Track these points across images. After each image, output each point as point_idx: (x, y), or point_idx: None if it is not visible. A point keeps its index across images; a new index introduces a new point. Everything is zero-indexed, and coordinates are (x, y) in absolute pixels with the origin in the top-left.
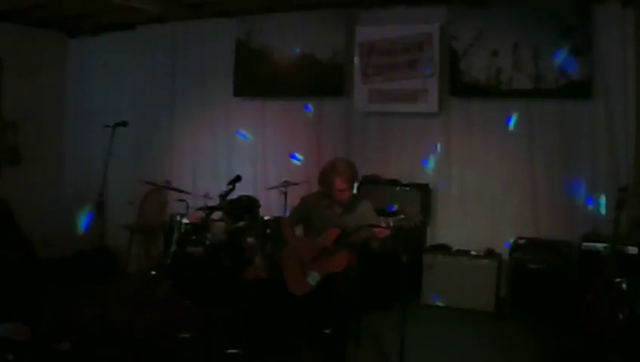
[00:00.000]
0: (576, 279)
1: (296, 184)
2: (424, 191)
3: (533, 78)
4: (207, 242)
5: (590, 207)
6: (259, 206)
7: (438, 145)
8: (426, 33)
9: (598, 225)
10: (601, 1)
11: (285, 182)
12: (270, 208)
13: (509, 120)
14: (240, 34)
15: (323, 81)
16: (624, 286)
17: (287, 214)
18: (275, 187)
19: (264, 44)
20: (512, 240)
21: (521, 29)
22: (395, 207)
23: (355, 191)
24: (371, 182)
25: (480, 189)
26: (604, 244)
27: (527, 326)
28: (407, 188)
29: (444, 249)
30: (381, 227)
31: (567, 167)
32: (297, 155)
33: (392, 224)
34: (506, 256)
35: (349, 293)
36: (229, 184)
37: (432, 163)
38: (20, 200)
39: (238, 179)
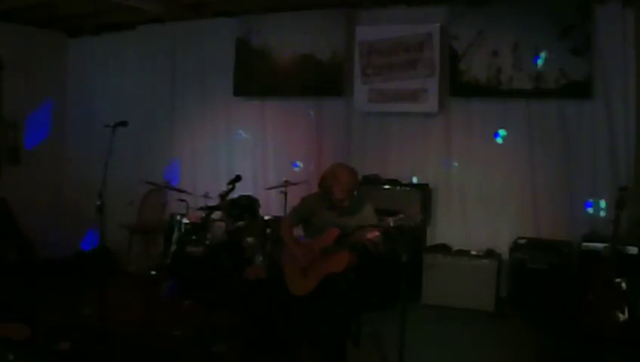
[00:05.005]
0: (577, 279)
1: (296, 184)
2: (424, 191)
3: (533, 78)
4: (207, 242)
5: (590, 207)
6: (259, 206)
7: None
8: (426, 33)
9: (598, 225)
10: (601, 1)
11: (285, 182)
12: (270, 208)
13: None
14: (240, 34)
15: (323, 81)
16: (624, 286)
17: (287, 214)
18: (275, 187)
19: (264, 44)
20: (511, 240)
21: (521, 29)
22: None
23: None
24: (371, 182)
25: (480, 189)
26: (604, 244)
27: (527, 326)
28: (407, 188)
29: (444, 249)
30: (373, 227)
31: (567, 166)
32: (297, 162)
33: (392, 224)
34: (506, 256)
35: (349, 293)
36: (229, 184)
37: (431, 163)
38: (20, 200)
39: (238, 179)
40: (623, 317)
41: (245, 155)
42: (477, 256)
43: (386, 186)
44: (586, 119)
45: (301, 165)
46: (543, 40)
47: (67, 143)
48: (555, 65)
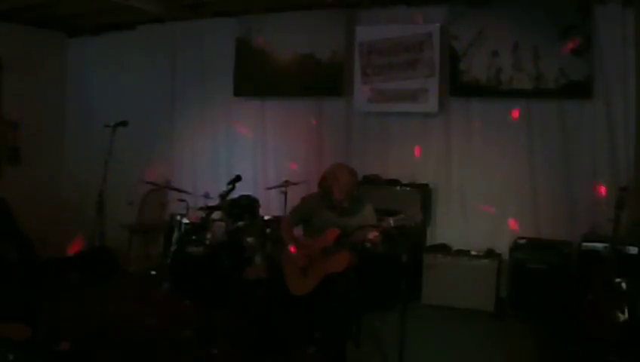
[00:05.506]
0: (576, 279)
1: (296, 184)
2: (424, 191)
3: (533, 78)
4: (207, 242)
5: (590, 207)
6: (259, 206)
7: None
8: (426, 33)
9: (598, 225)
10: (601, 1)
11: (285, 182)
12: (270, 208)
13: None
14: (240, 34)
15: (323, 81)
16: (624, 286)
17: (287, 214)
18: (275, 187)
19: (264, 44)
20: (511, 240)
21: (521, 29)
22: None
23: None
24: (371, 182)
25: (480, 189)
26: (604, 244)
27: (527, 326)
28: (407, 188)
29: (444, 249)
30: (373, 227)
31: (567, 166)
32: (294, 161)
33: (392, 224)
34: (506, 256)
35: (349, 293)
36: (229, 184)
37: (432, 163)
38: (20, 200)
39: (238, 178)
40: (623, 317)
41: (245, 155)
42: (477, 256)
43: (386, 186)
44: (586, 119)
45: (297, 163)
46: (543, 40)
47: (67, 143)
48: (555, 65)
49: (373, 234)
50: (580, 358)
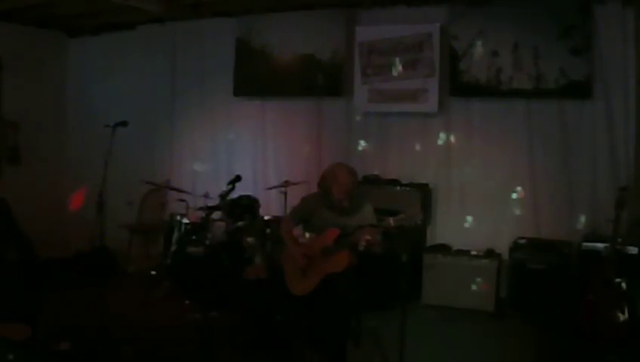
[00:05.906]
0: (577, 279)
1: (296, 184)
2: (424, 191)
3: (533, 78)
4: (207, 242)
5: (590, 207)
6: (259, 206)
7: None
8: (426, 33)
9: (598, 225)
10: (601, 1)
11: (285, 182)
12: (270, 208)
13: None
14: (240, 33)
15: (323, 81)
16: (624, 286)
17: (287, 214)
18: (275, 187)
19: (264, 44)
20: (511, 240)
21: (521, 29)
22: None
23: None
24: (371, 182)
25: (480, 189)
26: (604, 244)
27: (527, 326)
28: (407, 188)
29: (444, 249)
30: (373, 227)
31: (567, 166)
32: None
33: (392, 224)
34: (506, 256)
35: (349, 293)
36: (229, 184)
37: (432, 163)
38: (20, 200)
39: (238, 179)
40: (623, 317)
41: (245, 155)
42: (477, 256)
43: (386, 186)
44: (586, 119)
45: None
46: (543, 40)
47: (67, 143)
48: (555, 65)
49: (366, 238)
50: (580, 358)
